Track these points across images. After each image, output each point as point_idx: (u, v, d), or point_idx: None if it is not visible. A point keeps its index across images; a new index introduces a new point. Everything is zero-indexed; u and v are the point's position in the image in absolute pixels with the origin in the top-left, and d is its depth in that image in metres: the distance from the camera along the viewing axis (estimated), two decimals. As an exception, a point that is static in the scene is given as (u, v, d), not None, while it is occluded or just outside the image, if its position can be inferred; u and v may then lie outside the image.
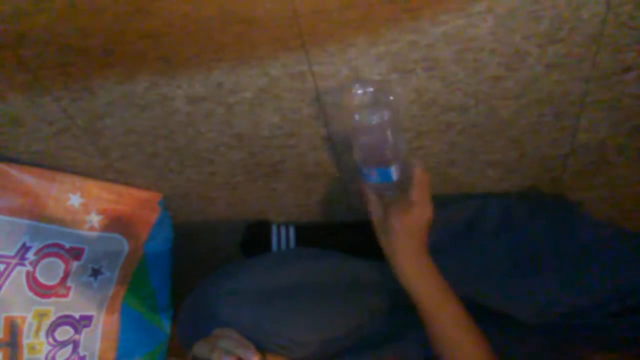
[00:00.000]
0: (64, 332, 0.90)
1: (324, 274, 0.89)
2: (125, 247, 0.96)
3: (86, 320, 0.93)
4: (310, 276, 0.88)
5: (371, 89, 0.72)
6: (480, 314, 0.77)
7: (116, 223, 0.94)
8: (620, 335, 0.80)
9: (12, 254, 0.83)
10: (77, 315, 0.91)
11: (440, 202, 0.96)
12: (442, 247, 0.85)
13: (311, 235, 1.05)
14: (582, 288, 0.80)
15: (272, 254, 1.02)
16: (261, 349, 0.65)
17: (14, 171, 0.83)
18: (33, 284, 0.85)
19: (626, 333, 0.79)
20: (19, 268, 0.84)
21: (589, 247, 0.83)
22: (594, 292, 0.79)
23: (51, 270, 0.87)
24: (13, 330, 0.84)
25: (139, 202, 0.96)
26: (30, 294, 0.85)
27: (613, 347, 0.83)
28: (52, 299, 0.88)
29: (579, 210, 0.97)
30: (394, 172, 0.74)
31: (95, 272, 0.93)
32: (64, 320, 0.90)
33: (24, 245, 0.84)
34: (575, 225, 0.88)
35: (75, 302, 0.91)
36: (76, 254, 0.90)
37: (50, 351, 0.88)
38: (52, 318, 0.88)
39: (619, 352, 0.83)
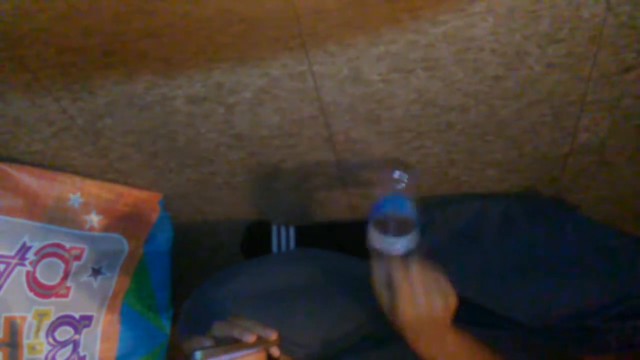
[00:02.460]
0: (64, 332, 0.90)
1: (324, 274, 0.88)
2: (125, 247, 0.96)
3: (86, 320, 0.93)
4: (310, 277, 0.88)
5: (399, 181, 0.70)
6: (480, 315, 0.77)
7: (116, 223, 0.94)
8: (619, 338, 0.80)
9: (12, 254, 0.83)
10: (77, 315, 0.91)
11: (440, 202, 0.96)
12: (441, 247, 0.85)
13: (311, 235, 1.05)
14: (582, 291, 0.80)
15: (272, 255, 1.02)
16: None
17: (14, 171, 0.83)
18: (33, 284, 0.85)
19: (625, 336, 0.79)
20: (19, 268, 0.84)
21: (589, 250, 0.83)
22: (594, 295, 0.79)
23: (51, 270, 0.87)
24: (13, 330, 0.84)
25: (139, 202, 0.96)
26: (30, 294, 0.85)
27: (612, 350, 0.83)
28: (52, 299, 0.88)
29: (579, 213, 0.97)
30: (410, 241, 0.69)
31: (95, 272, 0.93)
32: (64, 320, 0.90)
33: (24, 245, 0.84)
34: (576, 227, 0.88)
35: (75, 302, 0.91)
36: (76, 254, 0.90)
37: (50, 351, 0.88)
38: (52, 318, 0.88)
39: (618, 354, 0.83)
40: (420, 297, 0.61)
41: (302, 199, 1.01)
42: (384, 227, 0.68)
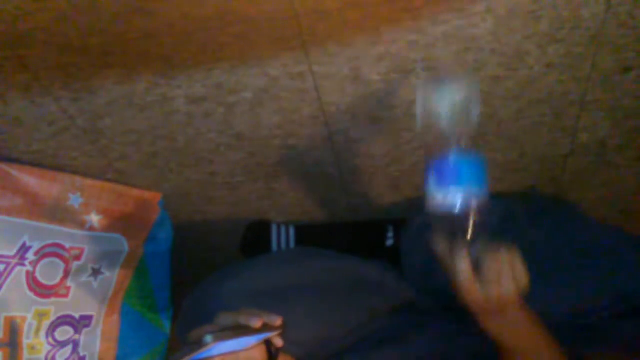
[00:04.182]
0: (64, 332, 0.90)
1: (324, 274, 0.88)
2: (125, 247, 0.96)
3: (86, 320, 0.93)
4: (309, 276, 0.88)
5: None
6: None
7: (116, 223, 0.94)
8: (620, 337, 0.80)
9: (12, 254, 0.83)
10: (77, 315, 0.91)
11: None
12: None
13: (311, 235, 1.05)
14: (582, 290, 0.80)
15: (272, 254, 1.02)
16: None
17: (14, 171, 0.83)
18: (33, 284, 0.85)
19: (627, 334, 0.79)
20: (19, 268, 0.84)
21: (590, 249, 0.83)
22: (596, 294, 0.79)
23: (51, 270, 0.87)
24: (13, 330, 0.84)
25: (139, 202, 0.96)
26: (30, 294, 0.85)
27: (614, 348, 0.83)
28: (52, 299, 0.88)
29: (581, 212, 0.97)
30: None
31: (95, 272, 0.93)
32: (64, 320, 0.90)
33: (24, 245, 0.84)
34: (577, 227, 0.88)
35: (75, 302, 0.91)
36: (76, 254, 0.90)
37: (50, 351, 0.88)
38: (52, 318, 0.88)
39: (620, 353, 0.83)
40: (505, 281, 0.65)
41: (302, 199, 1.01)
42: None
